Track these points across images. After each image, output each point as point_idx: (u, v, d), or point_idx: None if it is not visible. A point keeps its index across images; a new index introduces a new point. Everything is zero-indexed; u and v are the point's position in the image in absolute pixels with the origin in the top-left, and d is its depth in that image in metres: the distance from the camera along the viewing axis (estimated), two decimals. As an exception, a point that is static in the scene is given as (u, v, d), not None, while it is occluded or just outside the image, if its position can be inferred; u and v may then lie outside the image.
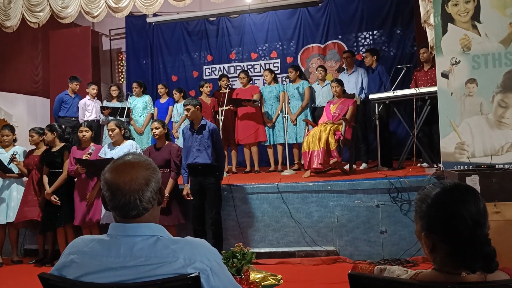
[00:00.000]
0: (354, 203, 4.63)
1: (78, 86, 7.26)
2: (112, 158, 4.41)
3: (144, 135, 7.30)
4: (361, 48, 8.56)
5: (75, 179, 5.02)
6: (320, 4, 8.19)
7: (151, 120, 4.84)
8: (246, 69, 8.89)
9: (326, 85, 6.66)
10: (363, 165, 6.33)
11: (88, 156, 4.66)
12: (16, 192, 5.29)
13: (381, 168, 5.78)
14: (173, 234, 4.68)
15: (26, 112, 8.48)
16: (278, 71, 8.89)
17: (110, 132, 4.68)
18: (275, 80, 6.92)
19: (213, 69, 9.44)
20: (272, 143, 6.78)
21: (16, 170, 5.33)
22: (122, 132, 4.71)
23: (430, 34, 4.84)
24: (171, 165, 4.60)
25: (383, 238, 4.56)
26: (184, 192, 4.59)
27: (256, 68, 9.18)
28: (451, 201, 1.27)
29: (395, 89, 5.76)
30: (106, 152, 4.73)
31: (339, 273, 4.39)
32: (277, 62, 9.08)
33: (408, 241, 4.50)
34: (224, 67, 9.34)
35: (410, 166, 5.69)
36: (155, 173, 1.40)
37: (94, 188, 4.79)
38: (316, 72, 6.77)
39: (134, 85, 7.41)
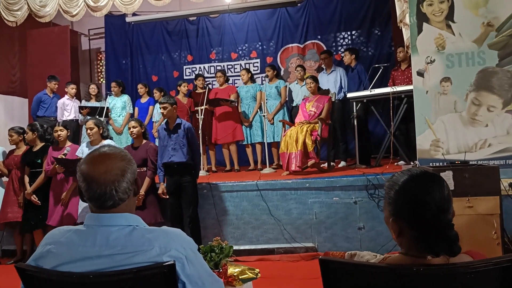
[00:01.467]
0: (332, 200, 4.69)
1: (56, 86, 7.19)
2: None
3: (123, 135, 7.24)
4: (339, 48, 8.67)
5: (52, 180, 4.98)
6: (299, 4, 8.28)
7: (132, 119, 4.80)
8: (225, 69, 8.94)
9: (305, 84, 6.71)
10: (342, 163, 6.41)
11: (64, 156, 4.61)
12: (-4, 191, 5.22)
13: (359, 166, 5.86)
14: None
15: (4, 112, 8.34)
16: (258, 71, 8.95)
17: (89, 131, 4.64)
18: (252, 79, 6.96)
19: (194, 69, 9.43)
20: (249, 142, 6.82)
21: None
22: (101, 132, 4.68)
23: (406, 34, 4.94)
24: (148, 164, 4.60)
25: (361, 234, 4.63)
26: (160, 191, 4.59)
27: (236, 68, 9.20)
28: (417, 187, 1.32)
29: (373, 88, 5.85)
30: (83, 151, 4.69)
31: (318, 269, 4.43)
32: (257, 62, 9.12)
33: (385, 236, 4.55)
34: (204, 67, 9.35)
35: (387, 164, 5.81)
36: (130, 164, 1.41)
37: (70, 188, 4.75)
38: (296, 72, 6.83)
39: (113, 84, 7.36)
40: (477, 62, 4.59)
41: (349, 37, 8.63)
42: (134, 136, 4.64)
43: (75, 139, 6.60)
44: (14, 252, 5.45)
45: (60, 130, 4.87)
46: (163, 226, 1.45)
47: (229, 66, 9.24)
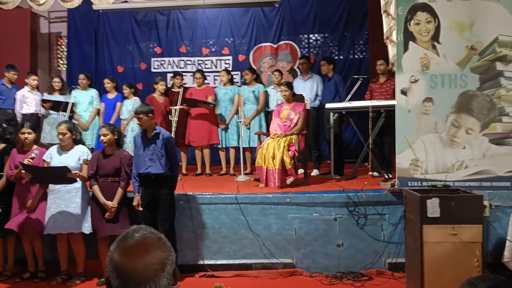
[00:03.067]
0: (313, 216, 4.65)
1: (16, 76, 6.70)
2: (65, 167, 4.13)
3: (89, 131, 6.86)
4: (312, 50, 8.63)
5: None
6: (276, 5, 8.13)
7: (103, 125, 4.51)
8: (199, 66, 8.69)
9: (281, 90, 6.61)
10: (315, 171, 6.40)
11: (30, 160, 4.27)
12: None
13: (334, 176, 5.86)
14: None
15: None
16: (230, 68, 8.71)
17: (61, 136, 4.33)
18: (231, 81, 6.78)
19: (162, 62, 9.11)
20: (224, 146, 6.66)
21: None
22: (73, 137, 4.38)
23: (392, 51, 4.91)
24: (121, 174, 4.36)
25: (340, 251, 4.62)
26: (135, 203, 4.38)
27: (207, 64, 8.96)
28: None
29: (351, 100, 5.84)
30: (53, 156, 4.39)
31: (295, 286, 4.41)
32: (229, 59, 8.92)
33: (364, 254, 4.59)
34: (173, 61, 9.04)
35: (361, 175, 5.85)
36: (170, 253, 1.25)
37: (36, 194, 4.44)
38: (273, 76, 6.71)
39: (81, 77, 6.94)
40: (459, 85, 4.64)
41: (322, 40, 8.59)
42: (105, 144, 4.37)
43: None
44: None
45: (28, 133, 4.51)
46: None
47: (199, 62, 8.98)
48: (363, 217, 4.62)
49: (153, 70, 9.06)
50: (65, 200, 4.30)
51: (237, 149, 6.66)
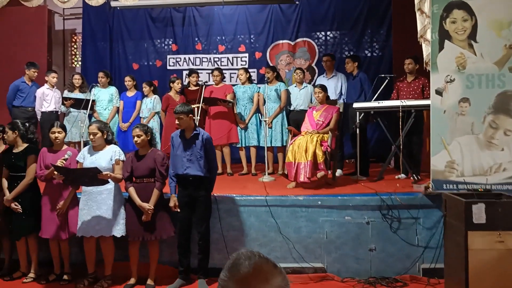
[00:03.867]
0: (344, 219, 4.53)
1: (36, 74, 6.60)
2: (96, 168, 4.02)
3: (108, 130, 6.78)
4: (330, 47, 8.46)
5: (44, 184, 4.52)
6: (297, 2, 7.99)
7: (136, 126, 4.38)
8: (215, 64, 8.56)
9: (304, 88, 6.48)
10: (338, 172, 6.25)
11: (63, 162, 4.18)
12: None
13: (360, 177, 5.74)
14: (156, 250, 4.38)
15: (-32, 98, 7.57)
16: (246, 66, 8.60)
17: (92, 136, 4.22)
18: (249, 80, 6.65)
19: (178, 59, 8.98)
20: (244, 145, 6.54)
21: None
22: (105, 136, 4.27)
23: (426, 50, 4.77)
24: (156, 175, 4.24)
25: (372, 255, 4.50)
26: (171, 204, 4.26)
27: (223, 61, 8.82)
28: None
29: (378, 99, 5.71)
30: (85, 157, 4.28)
31: (327, 291, 4.31)
32: (245, 57, 8.77)
33: (397, 259, 4.47)
34: (189, 58, 8.91)
35: (387, 176, 5.73)
36: (288, 282, 1.13)
37: (68, 196, 4.33)
38: (295, 74, 6.57)
39: (100, 74, 6.85)
40: (497, 85, 4.49)
41: (341, 37, 8.42)
42: (139, 146, 4.26)
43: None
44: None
45: (58, 132, 4.41)
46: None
47: (215, 59, 8.84)
48: (397, 220, 4.49)
49: (168, 67, 8.95)
50: (97, 202, 4.20)
51: (257, 148, 6.56)
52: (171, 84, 6.75)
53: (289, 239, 4.53)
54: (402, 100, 5.31)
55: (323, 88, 5.59)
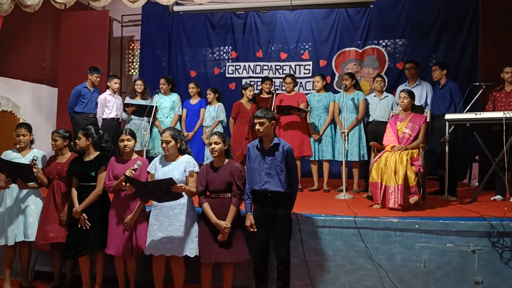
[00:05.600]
0: (446, 246, 3.93)
1: (98, 79, 6.38)
2: (171, 179, 3.59)
3: (169, 139, 6.46)
4: (402, 55, 7.86)
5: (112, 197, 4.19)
6: (371, 5, 7.46)
7: (213, 132, 3.95)
8: (276, 72, 8.18)
9: (384, 97, 5.93)
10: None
11: (133, 172, 3.82)
12: (34, 205, 4.40)
13: (450, 197, 5.12)
14: (230, 273, 3.92)
15: (31, 101, 7.48)
16: (310, 74, 8.17)
17: (165, 145, 3.83)
18: (325, 88, 6.16)
19: (237, 67, 8.65)
20: (317, 159, 6.03)
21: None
22: (178, 145, 3.89)
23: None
24: (233, 189, 3.79)
25: (478, 290, 3.87)
26: (248, 223, 3.78)
27: (285, 69, 8.42)
28: None
29: (472, 110, 5.10)
30: (157, 168, 3.89)
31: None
32: (309, 65, 8.33)
33: (509, 296, 3.82)
34: (249, 66, 8.56)
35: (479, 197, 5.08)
36: None
37: (136, 210, 3.96)
38: (375, 83, 6.02)
39: (162, 81, 6.57)
40: None
41: (413, 44, 7.78)
42: (215, 154, 3.83)
43: (115, 141, 5.77)
44: (50, 275, 4.67)
45: (128, 139, 4.07)
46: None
47: (277, 67, 8.46)
48: (509, 250, 3.85)
49: (227, 75, 8.64)
50: (169, 217, 3.80)
51: (331, 162, 6.05)
52: (243, 91, 6.37)
53: (381, 267, 3.97)
54: (506, 112, 4.66)
55: (410, 93, 5.01)
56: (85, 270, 4.22)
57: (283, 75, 7.96)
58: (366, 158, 5.83)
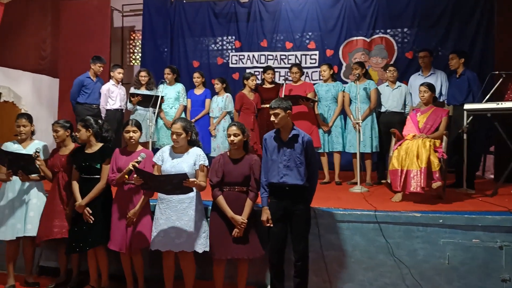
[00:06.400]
0: (471, 242, 3.75)
1: (101, 69, 6.15)
2: (184, 174, 3.36)
3: (175, 130, 6.26)
4: (411, 44, 7.63)
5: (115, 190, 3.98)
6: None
7: (233, 123, 3.74)
8: (281, 62, 7.95)
9: (397, 87, 5.73)
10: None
11: (136, 164, 3.62)
12: (36, 199, 4.19)
13: (469, 190, 4.94)
14: (245, 269, 3.73)
15: (31, 92, 7.23)
16: (316, 64, 7.95)
17: (175, 136, 3.62)
18: (333, 77, 5.95)
19: (241, 57, 8.43)
20: (327, 151, 5.84)
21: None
22: (189, 137, 3.68)
23: None
24: (251, 183, 3.61)
25: (504, 287, 3.70)
26: (264, 217, 3.59)
27: (290, 59, 8.18)
28: None
29: (491, 99, 4.90)
30: (164, 159, 3.68)
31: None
32: (315, 54, 8.09)
33: (538, 293, 3.66)
34: (253, 55, 8.33)
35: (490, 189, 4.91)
36: None
37: (140, 204, 3.76)
38: (388, 72, 5.82)
39: (167, 71, 6.34)
40: None
41: (423, 33, 7.54)
42: (235, 147, 3.63)
43: (118, 132, 5.56)
44: (55, 270, 4.50)
45: (133, 131, 3.85)
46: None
47: (282, 57, 8.23)
48: (537, 246, 3.68)
49: (231, 65, 8.41)
50: (177, 211, 3.60)
51: (341, 154, 5.86)
52: (244, 81, 6.15)
53: (403, 263, 3.79)
54: (529, 101, 4.48)
55: (431, 87, 4.82)
56: (92, 266, 4.06)
57: (289, 65, 7.82)
58: (378, 149, 5.65)
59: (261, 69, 7.87)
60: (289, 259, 3.71)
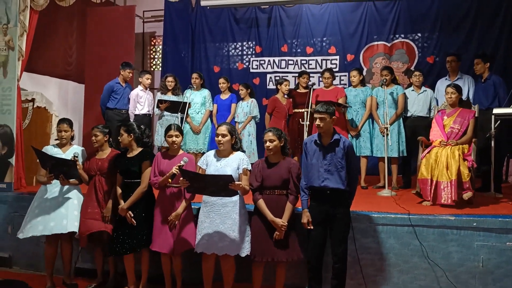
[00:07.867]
0: (505, 245, 3.79)
1: (131, 75, 6.29)
2: (230, 176, 3.40)
3: (201, 135, 6.39)
4: (433, 49, 7.68)
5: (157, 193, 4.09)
6: (405, -4, 7.29)
7: (268, 129, 3.83)
8: (302, 67, 8.02)
9: (422, 92, 5.79)
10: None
11: (177, 169, 3.72)
12: (77, 200, 4.30)
13: (498, 194, 4.98)
14: (283, 272, 3.81)
15: (57, 98, 7.40)
16: (337, 69, 8.01)
17: (220, 138, 3.71)
18: (362, 82, 6.02)
19: (262, 62, 8.53)
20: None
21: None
22: (233, 142, 3.77)
23: None
24: (290, 186, 3.69)
25: (540, 290, 3.74)
26: (304, 220, 3.67)
27: (311, 64, 8.28)
28: None
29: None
30: (209, 163, 3.78)
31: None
32: (336, 59, 8.18)
33: None
34: (274, 60, 8.43)
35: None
36: None
37: (181, 207, 3.86)
38: (413, 77, 5.87)
39: (195, 75, 6.48)
40: None
41: (445, 37, 7.56)
42: (271, 152, 3.72)
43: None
44: (91, 272, 4.60)
45: (176, 135, 3.95)
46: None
47: (303, 61, 8.32)
48: None
49: (252, 70, 8.52)
50: (220, 215, 3.69)
51: (369, 158, 5.92)
52: (278, 86, 6.28)
53: (438, 265, 3.85)
54: (559, 105, 4.51)
55: (458, 88, 4.86)
56: (130, 268, 4.14)
57: (309, 70, 7.89)
58: (405, 154, 5.70)
59: (282, 74, 8.04)
60: (325, 262, 3.78)
